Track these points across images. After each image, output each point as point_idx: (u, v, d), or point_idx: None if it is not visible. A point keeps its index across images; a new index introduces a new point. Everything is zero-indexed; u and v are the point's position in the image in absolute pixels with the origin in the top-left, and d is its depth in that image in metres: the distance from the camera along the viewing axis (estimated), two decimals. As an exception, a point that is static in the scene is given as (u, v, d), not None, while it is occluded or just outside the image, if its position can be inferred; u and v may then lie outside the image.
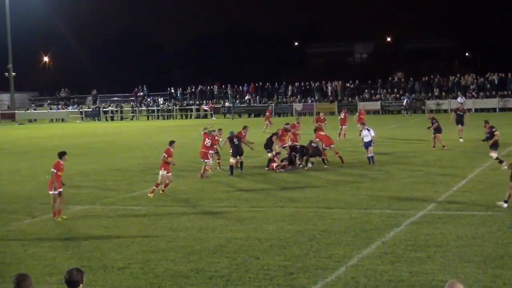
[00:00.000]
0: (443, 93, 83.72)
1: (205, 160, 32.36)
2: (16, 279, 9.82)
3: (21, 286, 9.76)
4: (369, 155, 34.87)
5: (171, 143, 28.84)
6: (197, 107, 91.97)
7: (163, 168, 28.10)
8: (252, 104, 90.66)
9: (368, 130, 35.32)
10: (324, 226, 21.25)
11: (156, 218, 23.45)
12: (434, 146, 40.29)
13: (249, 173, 33.63)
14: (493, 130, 32.61)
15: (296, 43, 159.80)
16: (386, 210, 23.35)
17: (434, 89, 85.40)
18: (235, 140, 34.05)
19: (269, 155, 35.10)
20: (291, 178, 31.79)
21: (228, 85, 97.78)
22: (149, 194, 27.66)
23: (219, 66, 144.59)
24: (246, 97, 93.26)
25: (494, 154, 31.66)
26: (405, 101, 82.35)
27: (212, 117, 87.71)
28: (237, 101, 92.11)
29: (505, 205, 22.86)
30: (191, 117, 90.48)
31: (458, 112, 45.83)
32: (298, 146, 36.08)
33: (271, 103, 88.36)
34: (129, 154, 45.30)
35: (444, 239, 19.17)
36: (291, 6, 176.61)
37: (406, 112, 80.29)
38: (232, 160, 33.61)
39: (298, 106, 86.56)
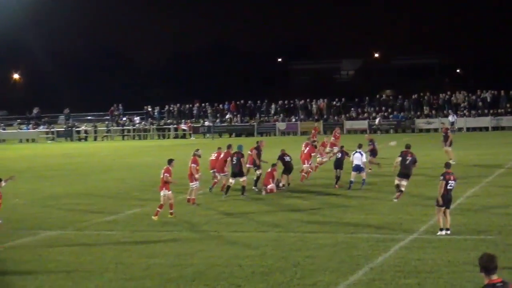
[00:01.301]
0: (433, 111, 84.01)
1: (190, 183, 31.67)
2: None
3: None
4: (351, 179, 34.41)
5: (170, 161, 28.68)
6: (175, 126, 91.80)
7: (164, 188, 28.01)
8: (233, 123, 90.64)
9: (355, 153, 34.77)
10: (308, 251, 21.21)
11: (132, 244, 23.34)
12: (370, 169, 39.69)
13: (230, 195, 33.47)
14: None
15: (279, 60, 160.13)
16: (374, 235, 23.35)
17: (424, 107, 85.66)
18: (234, 158, 33.61)
19: (257, 172, 34.97)
20: (274, 201, 31.72)
21: (208, 104, 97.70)
22: (153, 217, 27.62)
23: (198, 84, 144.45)
24: (227, 116, 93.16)
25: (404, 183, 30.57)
26: (377, 120, 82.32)
27: (191, 137, 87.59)
28: (218, 120, 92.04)
29: (443, 232, 22.80)
30: (169, 137, 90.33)
31: (443, 134, 45.82)
32: (287, 160, 35.69)
33: (254, 122, 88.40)
34: (104, 176, 45.13)
35: (435, 264, 19.18)
36: (274, 21, 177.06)
37: (379, 131, 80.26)
38: (230, 180, 33.31)
39: (281, 125, 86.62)
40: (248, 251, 21.60)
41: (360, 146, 35.04)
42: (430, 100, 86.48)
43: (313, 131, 56.70)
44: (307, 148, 38.63)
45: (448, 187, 23.00)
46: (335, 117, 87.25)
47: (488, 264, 11.03)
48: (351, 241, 22.35)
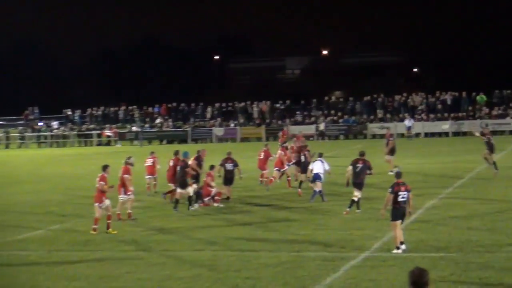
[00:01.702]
0: (388, 115, 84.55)
1: (119, 196, 31.27)
2: None
3: None
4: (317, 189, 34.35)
5: (105, 168, 28.63)
6: (98, 132, 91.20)
7: (103, 198, 27.90)
8: (164, 129, 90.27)
9: (315, 160, 34.97)
10: (248, 272, 21.21)
11: (48, 265, 23.10)
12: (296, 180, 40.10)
13: (161, 209, 33.33)
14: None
15: (216, 57, 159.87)
16: (322, 253, 23.42)
17: (377, 111, 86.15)
18: (177, 167, 33.60)
19: (195, 186, 34.35)
20: (210, 216, 31.65)
21: (136, 106, 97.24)
22: (110, 230, 27.79)
23: (125, 84, 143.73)
24: (157, 121, 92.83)
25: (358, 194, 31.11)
26: (322, 125, 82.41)
27: (116, 144, 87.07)
28: (147, 125, 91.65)
29: (400, 250, 22.95)
30: (91, 144, 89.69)
31: (385, 140, 46.07)
32: (228, 168, 35.75)
33: (187, 128, 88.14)
34: (17, 188, 44.64)
35: (390, 285, 19.30)
36: (210, 14, 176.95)
37: (326, 137, 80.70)
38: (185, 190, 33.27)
39: (218, 131, 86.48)
40: (181, 272, 21.54)
41: (320, 155, 35.13)
42: (384, 103, 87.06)
43: (281, 134, 57.27)
44: (278, 152, 40.11)
45: (400, 199, 22.94)
46: (279, 122, 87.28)
47: (418, 279, 11.17)
48: (296, 260, 22.40)
